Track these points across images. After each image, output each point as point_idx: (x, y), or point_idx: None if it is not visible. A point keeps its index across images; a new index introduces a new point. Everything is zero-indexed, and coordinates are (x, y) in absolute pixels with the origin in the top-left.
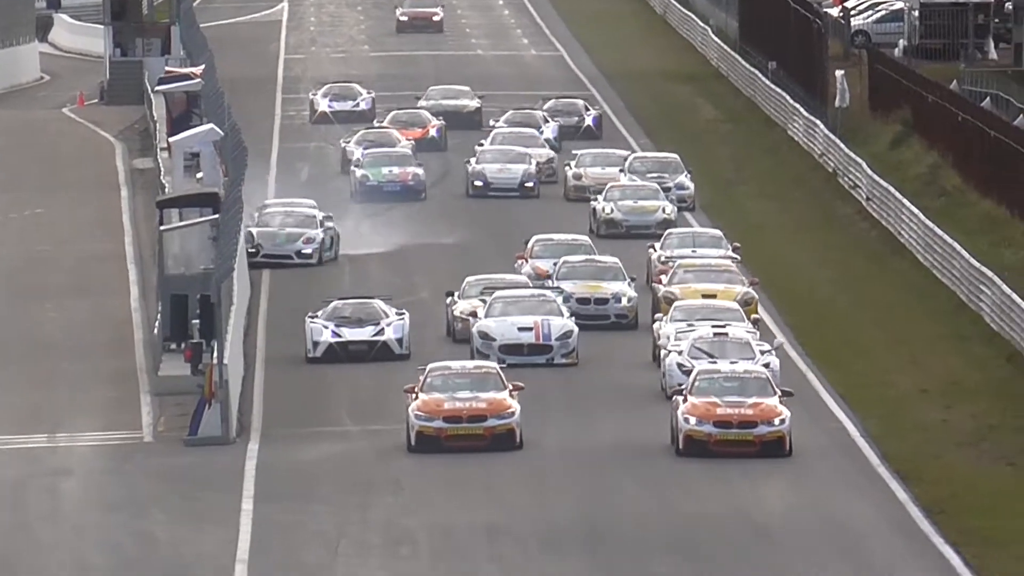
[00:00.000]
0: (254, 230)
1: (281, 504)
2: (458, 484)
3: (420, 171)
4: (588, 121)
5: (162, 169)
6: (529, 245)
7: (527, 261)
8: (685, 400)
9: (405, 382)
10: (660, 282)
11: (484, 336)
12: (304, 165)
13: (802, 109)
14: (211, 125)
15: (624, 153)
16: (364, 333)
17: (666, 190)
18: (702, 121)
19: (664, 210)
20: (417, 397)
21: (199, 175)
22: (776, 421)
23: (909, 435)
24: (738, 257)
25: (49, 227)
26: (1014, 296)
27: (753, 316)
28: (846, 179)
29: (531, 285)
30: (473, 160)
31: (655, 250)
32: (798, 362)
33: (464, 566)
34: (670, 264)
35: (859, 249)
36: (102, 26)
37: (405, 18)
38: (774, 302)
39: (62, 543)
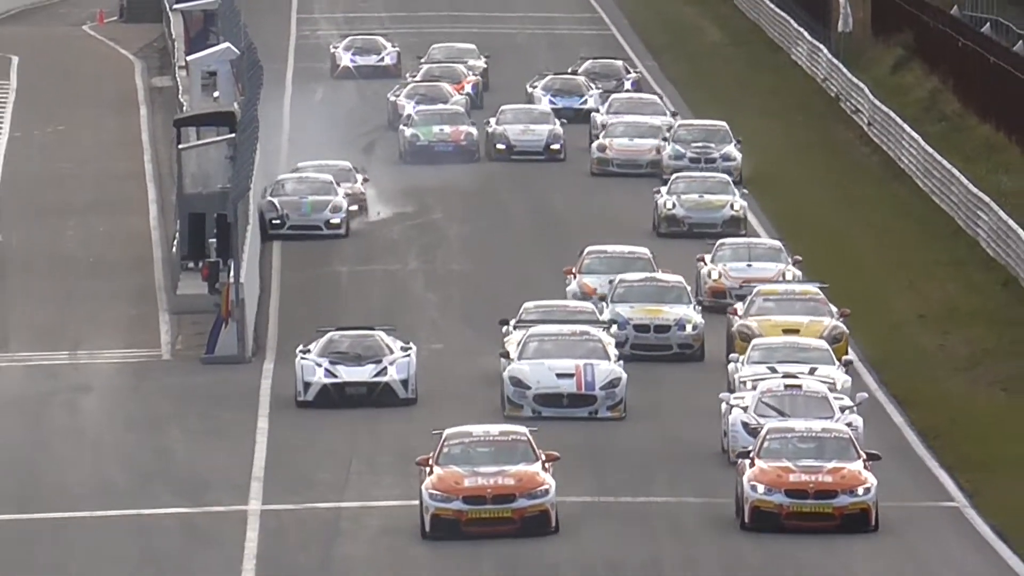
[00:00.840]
0: (276, 200)
1: (295, 422)
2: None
3: (473, 130)
4: (627, 84)
5: (180, 87)
6: (580, 257)
7: (575, 276)
8: (752, 464)
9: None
10: (735, 311)
11: (517, 383)
12: (319, 86)
13: (806, 33)
14: (228, 44)
15: (659, 123)
16: (363, 373)
17: (711, 161)
18: (707, 43)
19: (732, 206)
20: (431, 471)
21: (216, 94)
22: (860, 490)
23: (906, 360)
24: (800, 273)
25: (70, 144)
26: (1011, 222)
27: (844, 358)
28: (848, 104)
29: (597, 314)
30: (493, 121)
31: (704, 263)
32: None
33: None
34: (726, 283)
35: (859, 173)
36: None
37: None
38: (775, 226)
39: (81, 458)
